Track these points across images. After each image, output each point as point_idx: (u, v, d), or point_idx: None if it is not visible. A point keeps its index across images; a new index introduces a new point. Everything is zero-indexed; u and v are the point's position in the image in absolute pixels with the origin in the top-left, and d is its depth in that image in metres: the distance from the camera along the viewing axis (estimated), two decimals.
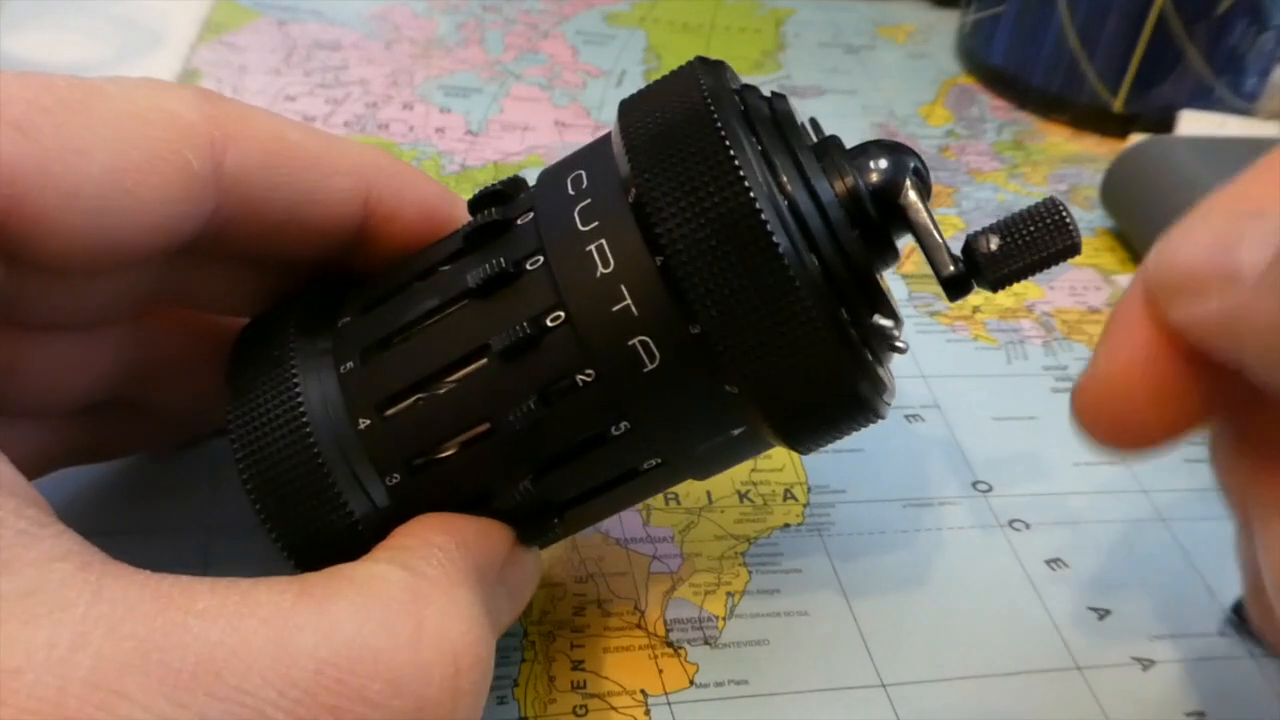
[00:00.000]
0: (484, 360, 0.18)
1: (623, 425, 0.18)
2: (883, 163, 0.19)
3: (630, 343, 0.17)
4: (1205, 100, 0.43)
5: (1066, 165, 0.43)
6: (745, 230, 0.17)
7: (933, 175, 0.41)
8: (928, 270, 0.36)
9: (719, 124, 0.17)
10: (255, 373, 0.19)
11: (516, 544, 0.19)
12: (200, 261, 0.20)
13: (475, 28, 0.48)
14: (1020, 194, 0.41)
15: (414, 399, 0.18)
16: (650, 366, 0.17)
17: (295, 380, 0.18)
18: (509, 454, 0.18)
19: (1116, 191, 0.38)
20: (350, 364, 0.19)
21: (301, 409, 0.18)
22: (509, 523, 0.19)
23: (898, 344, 0.19)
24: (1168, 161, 0.37)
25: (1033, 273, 0.18)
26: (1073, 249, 0.18)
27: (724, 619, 0.24)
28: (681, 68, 0.19)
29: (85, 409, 0.21)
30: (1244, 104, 0.44)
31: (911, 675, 0.23)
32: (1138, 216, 0.37)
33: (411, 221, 0.21)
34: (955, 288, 0.19)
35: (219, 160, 0.18)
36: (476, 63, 0.45)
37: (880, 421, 0.19)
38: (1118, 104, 0.44)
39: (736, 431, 0.19)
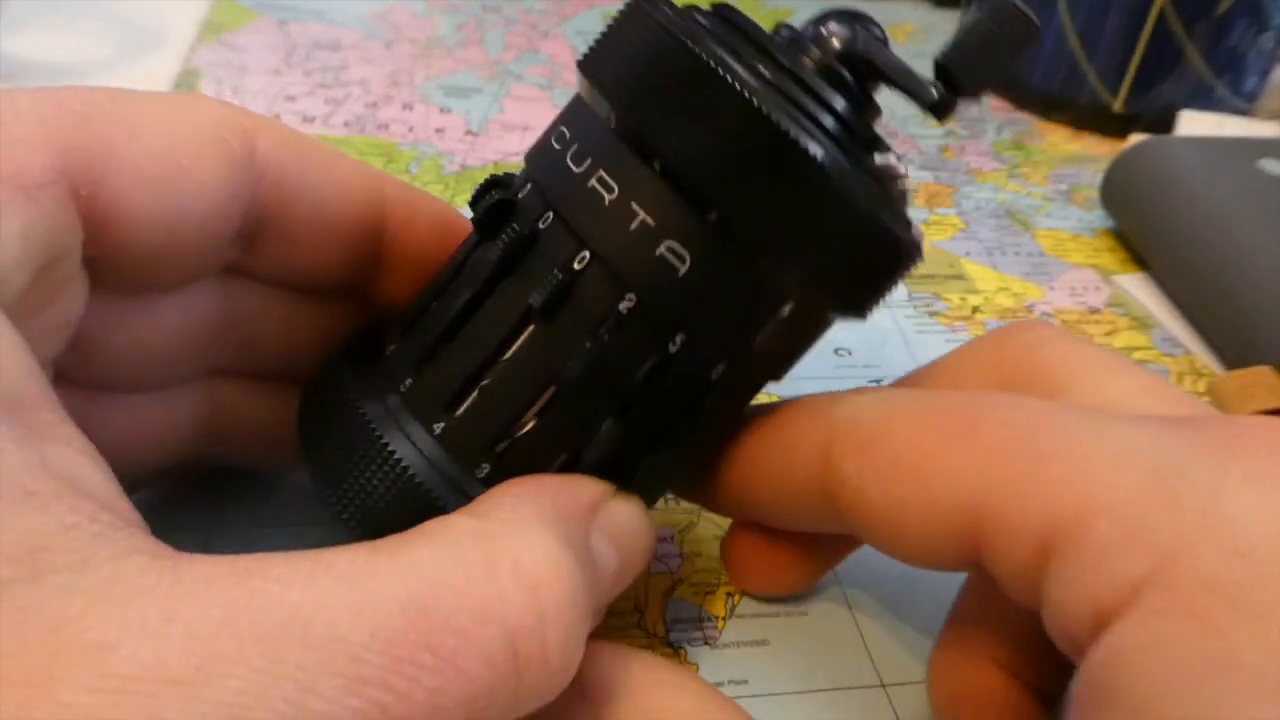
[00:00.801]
0: (530, 327, 0.18)
1: (678, 339, 0.18)
2: (840, 28, 0.19)
3: (657, 253, 0.18)
4: (1205, 100, 0.43)
5: (1066, 165, 0.43)
6: (725, 100, 0.17)
7: (933, 175, 0.41)
8: (928, 270, 0.36)
9: (674, 29, 0.18)
10: (330, 431, 0.19)
11: (614, 496, 0.19)
12: (245, 288, 0.21)
13: (475, 28, 0.48)
14: (1020, 194, 0.41)
15: (477, 388, 0.19)
16: (683, 269, 0.18)
17: (367, 419, 0.19)
18: (581, 406, 0.18)
19: (1116, 191, 0.38)
20: (409, 381, 0.19)
21: (384, 442, 0.18)
22: (605, 477, 0.19)
23: (903, 180, 0.19)
24: (1168, 161, 0.37)
25: (1004, 67, 0.19)
26: (1033, 30, 0.19)
27: (724, 619, 0.24)
28: (621, 10, 0.19)
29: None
30: (1244, 104, 0.44)
31: (911, 675, 0.23)
32: (1138, 216, 0.37)
33: (427, 231, 0.22)
34: (942, 109, 0.19)
35: (252, 145, 0.19)
36: (476, 63, 0.45)
37: (919, 262, 0.20)
38: (1118, 104, 0.44)
39: (786, 309, 0.18)
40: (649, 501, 0.20)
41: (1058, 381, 0.19)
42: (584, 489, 0.18)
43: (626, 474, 0.19)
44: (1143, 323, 0.35)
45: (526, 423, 0.19)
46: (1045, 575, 0.15)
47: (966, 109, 0.46)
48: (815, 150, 0.17)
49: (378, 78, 0.43)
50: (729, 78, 0.17)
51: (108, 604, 0.13)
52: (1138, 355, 0.34)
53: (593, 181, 0.18)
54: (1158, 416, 0.16)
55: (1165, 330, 0.35)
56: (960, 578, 0.21)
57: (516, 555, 0.15)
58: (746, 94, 0.17)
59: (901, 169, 0.19)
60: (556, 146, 0.19)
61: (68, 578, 0.13)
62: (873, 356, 0.32)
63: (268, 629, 0.13)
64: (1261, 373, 0.30)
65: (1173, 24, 0.41)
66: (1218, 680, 0.13)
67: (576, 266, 0.18)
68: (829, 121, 0.18)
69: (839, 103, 0.18)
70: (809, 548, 0.23)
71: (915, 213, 0.39)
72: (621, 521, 0.19)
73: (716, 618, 0.24)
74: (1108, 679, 0.14)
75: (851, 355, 0.32)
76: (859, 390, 0.20)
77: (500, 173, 0.20)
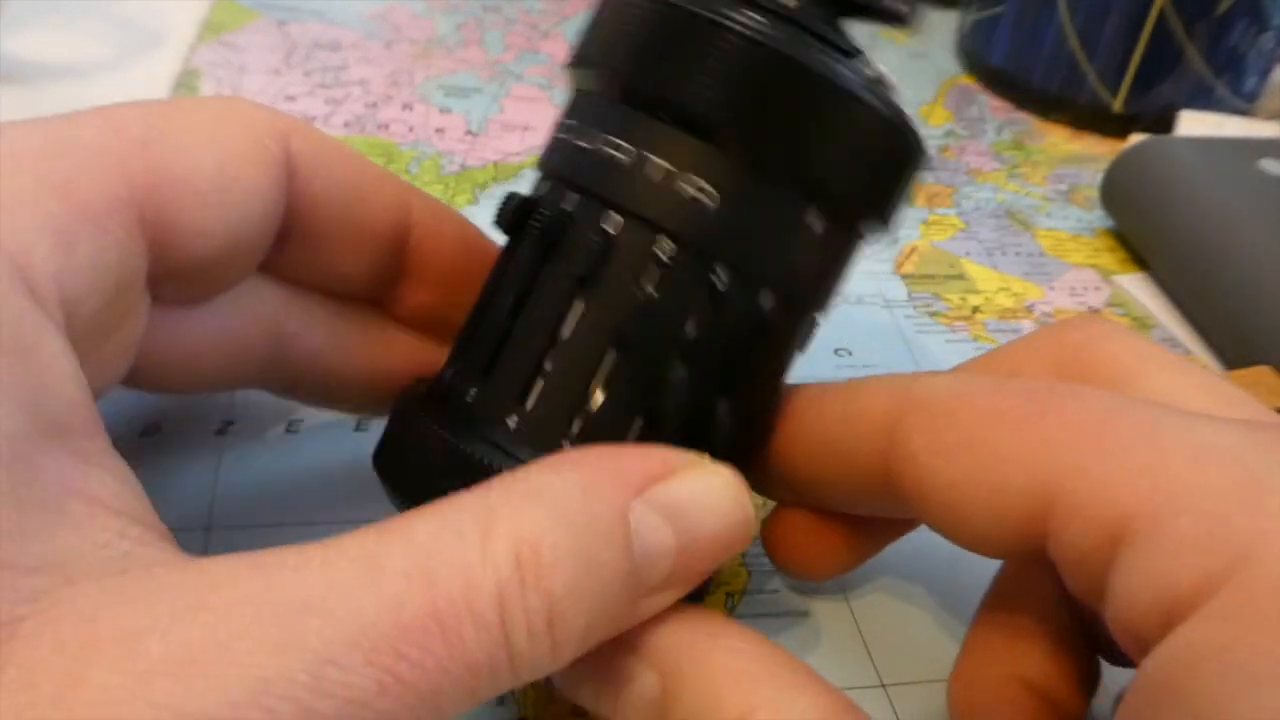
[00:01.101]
0: (577, 302, 0.19)
1: (723, 274, 0.18)
2: None
3: (688, 194, 0.18)
4: (1205, 100, 0.43)
5: (1066, 165, 0.43)
6: (709, 31, 0.18)
7: (932, 175, 0.41)
8: (928, 270, 0.36)
9: None
10: (408, 460, 0.20)
11: (685, 469, 0.17)
12: (272, 290, 0.22)
13: (475, 28, 0.48)
14: (1020, 194, 0.41)
15: (541, 375, 0.19)
16: (714, 205, 0.18)
17: (440, 434, 0.19)
18: (644, 363, 0.19)
19: (1116, 191, 0.38)
20: (473, 390, 0.19)
21: (461, 448, 0.18)
22: (681, 443, 0.18)
23: (895, 90, 0.20)
24: (1168, 161, 0.37)
25: None
26: None
27: None
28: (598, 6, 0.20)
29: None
30: (1244, 104, 0.44)
31: (912, 675, 0.23)
32: (1138, 216, 0.37)
33: (450, 245, 0.22)
34: (910, 17, 0.21)
35: (287, 147, 0.19)
36: (476, 63, 0.45)
37: (929, 156, 0.20)
38: (1118, 104, 0.44)
39: (819, 228, 0.19)
40: (738, 462, 0.18)
41: (1117, 378, 0.19)
42: (633, 460, 0.17)
43: (705, 428, 0.19)
44: (1143, 323, 0.35)
45: (595, 396, 0.19)
46: (1114, 565, 0.15)
47: (966, 109, 0.46)
48: (814, 62, 0.18)
49: (378, 78, 0.43)
50: (718, 18, 0.18)
51: (138, 598, 0.14)
52: None
53: (606, 149, 0.19)
54: (1239, 419, 0.16)
55: (1165, 330, 0.35)
56: (966, 583, 0.21)
57: (514, 520, 0.15)
58: (739, 28, 0.18)
59: (892, 79, 0.20)
60: (562, 136, 0.20)
61: (100, 582, 0.14)
62: (873, 357, 0.32)
63: (286, 607, 0.14)
64: (1261, 373, 0.30)
65: (1173, 24, 0.41)
66: (1276, 686, 0.12)
67: (610, 231, 0.18)
68: (817, 43, 0.19)
69: (823, 28, 0.19)
70: (855, 531, 0.22)
71: (915, 212, 0.39)
72: (684, 496, 0.17)
73: None
74: (1171, 678, 0.14)
75: (852, 355, 0.32)
76: (934, 372, 0.20)
77: (509, 190, 0.21)
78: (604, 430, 0.19)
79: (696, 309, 0.19)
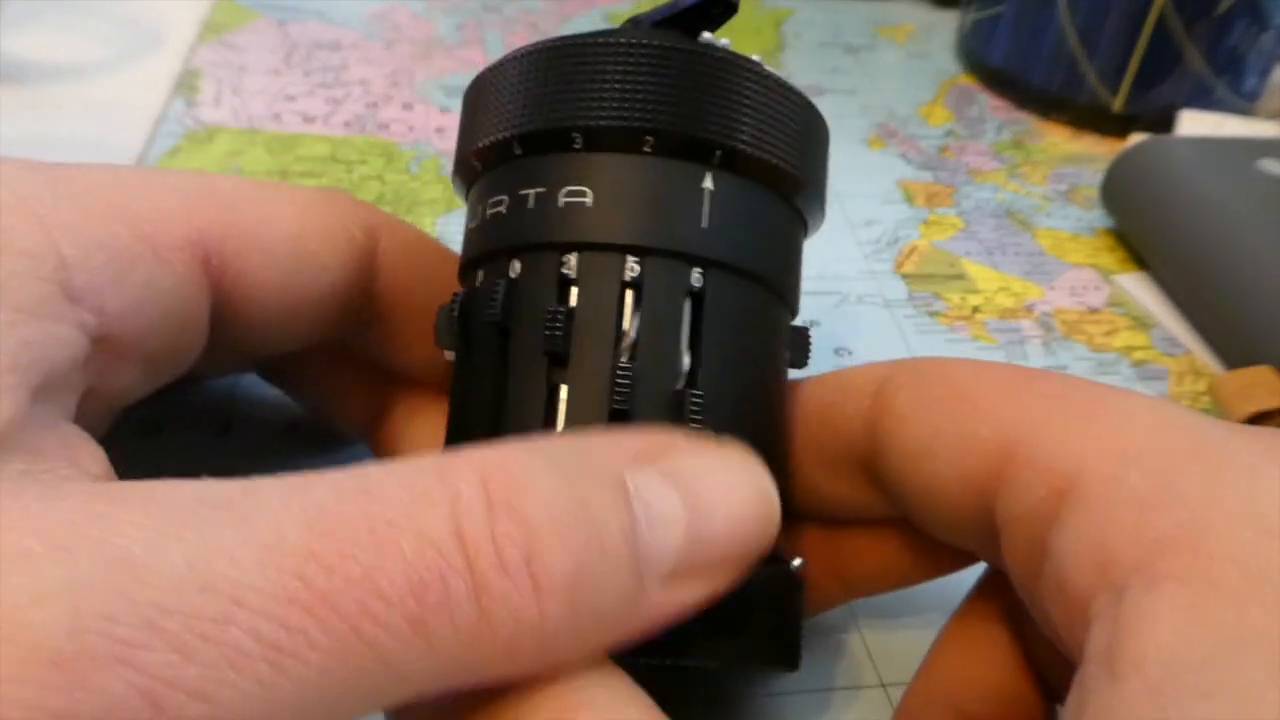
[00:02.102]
0: (560, 385, 0.18)
1: (697, 276, 0.18)
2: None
3: (561, 205, 0.18)
4: (1205, 100, 0.43)
5: (1066, 165, 0.43)
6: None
7: (932, 175, 0.41)
8: (928, 270, 0.36)
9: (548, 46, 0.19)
10: None
11: (698, 446, 0.16)
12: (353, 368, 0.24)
13: (475, 28, 0.48)
14: (1020, 194, 0.41)
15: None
16: (590, 201, 0.18)
17: None
18: (650, 402, 0.17)
19: (1116, 191, 0.38)
20: None
21: None
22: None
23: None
24: (1168, 161, 0.37)
25: None
26: None
27: None
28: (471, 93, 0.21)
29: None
30: (1244, 104, 0.44)
31: (911, 675, 0.23)
32: (1138, 216, 0.37)
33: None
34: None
35: (376, 241, 0.21)
36: (476, 63, 0.45)
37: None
38: (1118, 104, 0.44)
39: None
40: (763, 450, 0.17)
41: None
42: (641, 436, 0.15)
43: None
44: (1143, 322, 0.35)
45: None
46: (1057, 522, 0.15)
47: (966, 109, 0.46)
48: (589, 37, 0.19)
49: (378, 78, 0.43)
50: (625, 39, 0.18)
51: (39, 499, 0.13)
52: (1137, 355, 0.34)
53: (490, 210, 0.19)
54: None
55: (1165, 330, 0.35)
56: (967, 584, 0.21)
57: (482, 453, 0.14)
58: (654, 45, 0.18)
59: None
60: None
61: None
62: (873, 356, 0.32)
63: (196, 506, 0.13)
64: (1261, 373, 0.30)
65: (1173, 24, 0.41)
66: (1233, 655, 0.12)
67: (511, 275, 0.18)
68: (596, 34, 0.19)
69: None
70: (842, 567, 0.22)
71: (915, 212, 0.39)
72: (694, 466, 0.15)
73: None
74: (1121, 645, 0.13)
75: (852, 355, 0.32)
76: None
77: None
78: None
79: (684, 327, 0.18)
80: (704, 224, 0.18)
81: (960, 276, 0.36)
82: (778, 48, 0.49)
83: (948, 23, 0.52)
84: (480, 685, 0.14)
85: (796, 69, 0.47)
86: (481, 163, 0.20)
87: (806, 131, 0.20)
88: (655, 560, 0.14)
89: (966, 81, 0.48)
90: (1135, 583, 0.13)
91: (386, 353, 0.23)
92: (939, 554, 0.20)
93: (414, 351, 0.23)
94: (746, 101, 0.19)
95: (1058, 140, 0.45)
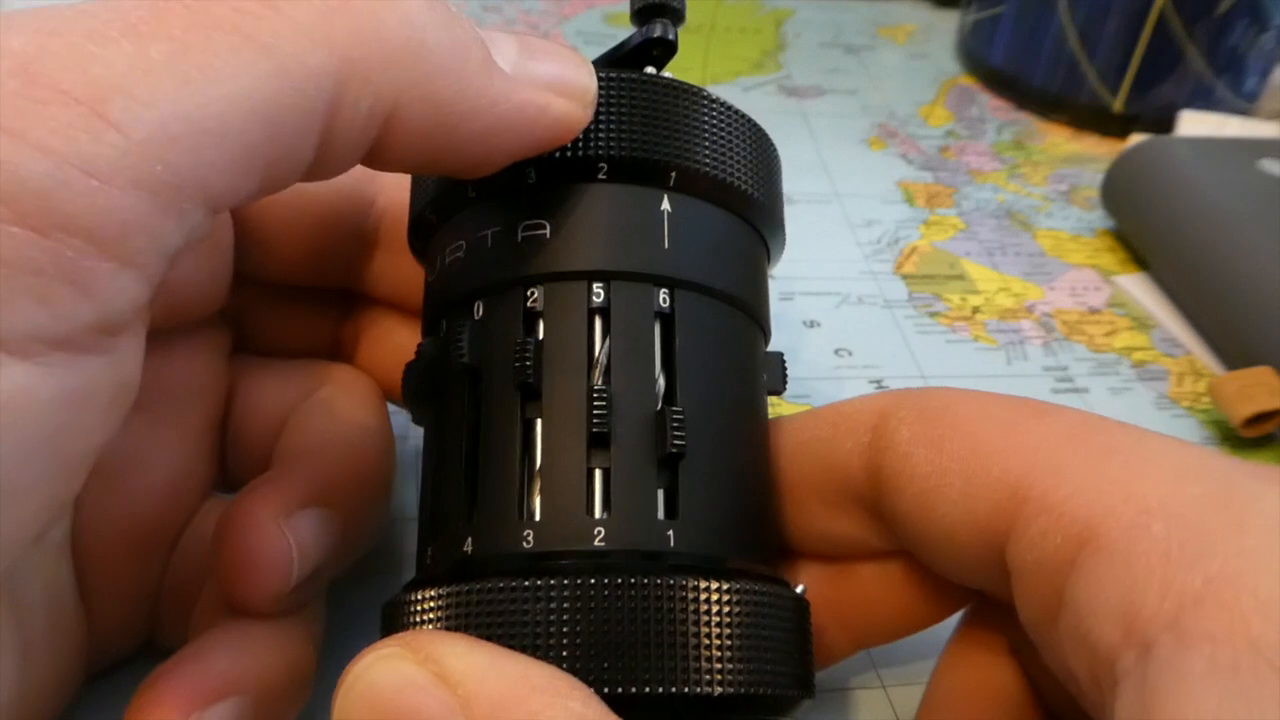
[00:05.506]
0: (534, 418, 0.17)
1: (663, 297, 0.18)
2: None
3: (520, 239, 0.18)
4: (1205, 100, 0.43)
5: (1066, 165, 0.43)
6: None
7: (933, 175, 0.41)
8: (928, 271, 0.36)
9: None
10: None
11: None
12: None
13: None
14: (1020, 194, 0.41)
15: (531, 478, 0.17)
16: (548, 234, 0.18)
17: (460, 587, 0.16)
18: (629, 412, 0.17)
19: (1116, 191, 0.38)
20: (469, 541, 0.17)
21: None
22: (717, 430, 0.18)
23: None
24: (1168, 161, 0.37)
25: None
26: None
27: None
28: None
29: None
30: (1244, 104, 0.44)
31: (911, 676, 0.23)
32: (1138, 216, 0.37)
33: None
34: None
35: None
36: None
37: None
38: (1118, 104, 0.44)
39: (724, 220, 0.19)
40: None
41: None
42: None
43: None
44: (1143, 323, 0.35)
45: (595, 471, 0.17)
46: (1076, 570, 0.14)
47: (966, 109, 0.46)
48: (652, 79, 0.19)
49: None
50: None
51: None
52: (1137, 355, 0.34)
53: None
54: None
55: (1165, 330, 0.35)
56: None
57: None
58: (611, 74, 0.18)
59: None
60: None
61: None
62: (873, 356, 0.32)
63: None
64: (1261, 373, 0.30)
65: (1173, 24, 0.41)
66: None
67: (474, 315, 0.18)
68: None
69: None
70: (847, 623, 0.21)
71: (915, 213, 0.39)
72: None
73: None
74: (1156, 712, 0.12)
75: (852, 355, 0.32)
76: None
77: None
78: (627, 500, 0.17)
79: (656, 343, 0.18)
80: (665, 245, 0.18)
81: (960, 277, 0.36)
82: (778, 48, 0.49)
83: (948, 23, 0.52)
84: None
85: (796, 69, 0.47)
86: (437, 214, 0.20)
87: (758, 152, 0.20)
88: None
89: (967, 82, 0.48)
90: (1165, 639, 0.13)
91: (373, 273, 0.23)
92: (946, 591, 0.20)
93: (401, 270, 0.23)
94: (697, 123, 0.19)
95: (1058, 140, 0.45)
